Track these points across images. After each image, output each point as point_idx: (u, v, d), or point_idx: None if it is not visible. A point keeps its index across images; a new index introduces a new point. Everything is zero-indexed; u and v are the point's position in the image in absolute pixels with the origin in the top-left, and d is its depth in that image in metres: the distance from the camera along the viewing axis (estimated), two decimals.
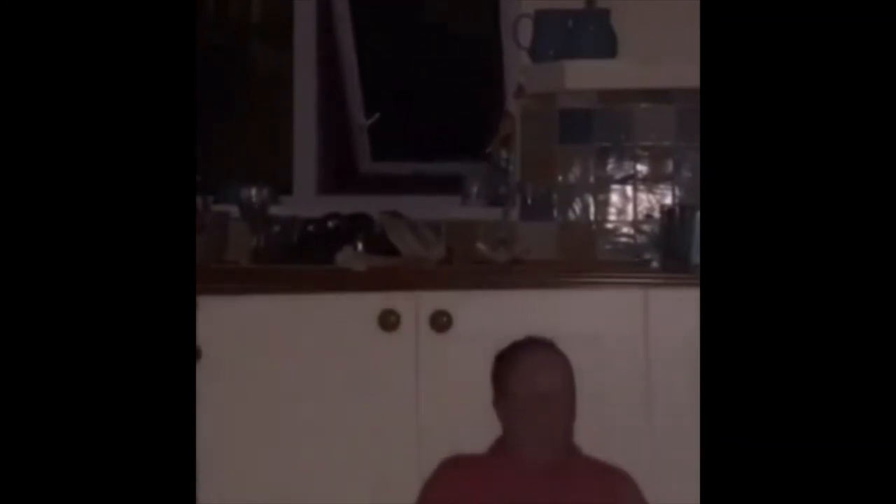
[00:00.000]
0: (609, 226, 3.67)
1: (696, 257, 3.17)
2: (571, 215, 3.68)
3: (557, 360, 2.82)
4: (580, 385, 2.90)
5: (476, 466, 2.80)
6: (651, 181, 3.66)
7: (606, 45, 3.54)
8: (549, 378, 2.78)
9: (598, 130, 3.66)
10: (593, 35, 3.54)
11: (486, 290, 3.09)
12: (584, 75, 3.54)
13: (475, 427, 2.87)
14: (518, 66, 3.70)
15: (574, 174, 3.68)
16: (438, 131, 4.19)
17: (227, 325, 3.03)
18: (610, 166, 3.67)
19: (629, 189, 3.67)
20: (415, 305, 3.05)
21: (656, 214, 3.59)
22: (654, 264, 3.37)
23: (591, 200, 3.68)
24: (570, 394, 2.80)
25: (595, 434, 2.90)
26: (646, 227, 3.64)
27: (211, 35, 4.34)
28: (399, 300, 3.05)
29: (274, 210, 3.53)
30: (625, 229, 3.67)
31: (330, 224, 3.38)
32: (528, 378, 2.77)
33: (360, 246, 3.23)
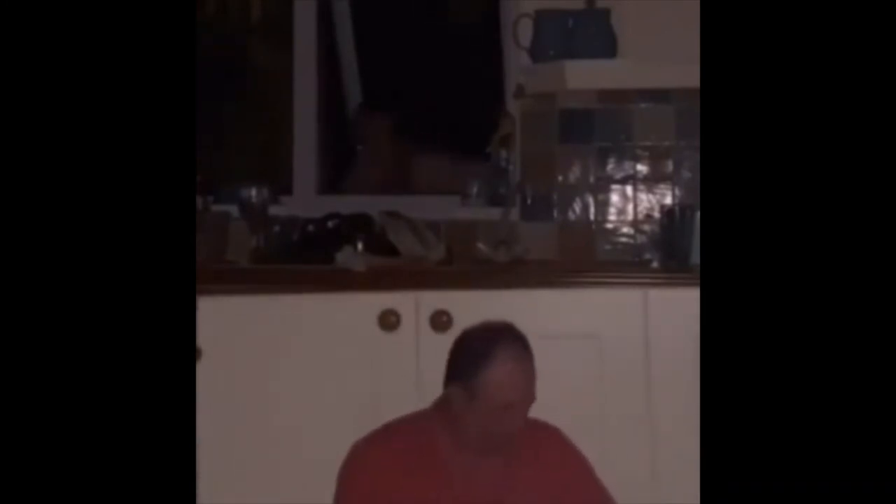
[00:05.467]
0: (609, 226, 3.67)
1: (696, 257, 3.18)
2: (571, 215, 3.68)
3: (530, 364, 2.67)
4: (580, 385, 2.91)
5: (405, 435, 2.73)
6: (651, 181, 3.66)
7: (606, 45, 3.54)
8: (523, 388, 2.64)
9: (598, 130, 3.66)
10: (593, 35, 3.54)
11: (486, 290, 3.09)
12: (584, 75, 3.54)
13: None
14: (518, 66, 3.70)
15: (574, 174, 3.68)
16: (438, 131, 4.19)
17: (227, 325, 3.03)
18: (610, 166, 3.67)
19: (629, 189, 3.67)
20: (415, 305, 3.05)
21: (656, 214, 3.59)
22: (654, 264, 3.37)
23: (591, 200, 3.67)
24: (533, 396, 2.67)
25: (595, 433, 2.90)
26: (646, 227, 3.64)
27: (211, 35, 4.34)
28: (399, 300, 3.05)
29: (274, 210, 3.53)
30: (625, 229, 3.67)
31: (330, 224, 3.38)
32: (504, 386, 2.62)
33: (360, 246, 3.23)
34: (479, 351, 2.66)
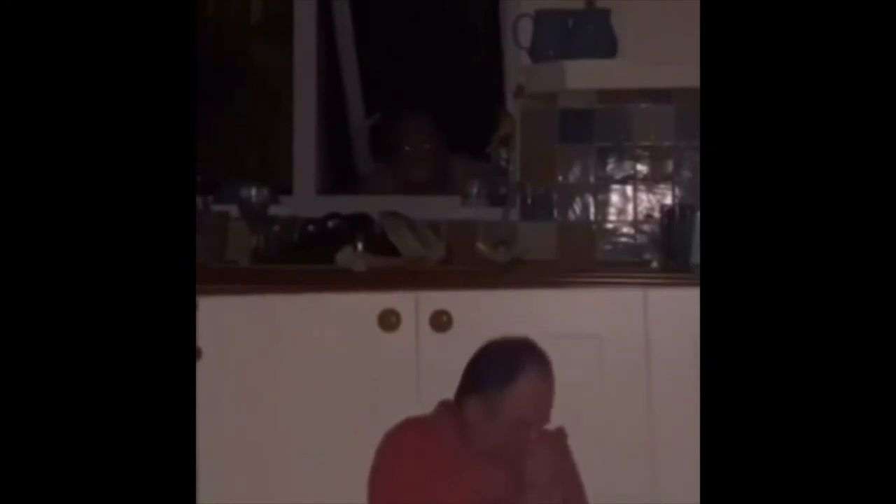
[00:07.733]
0: (609, 226, 3.67)
1: (696, 257, 3.18)
2: (571, 215, 3.68)
3: (551, 387, 2.73)
4: (580, 385, 2.90)
5: (425, 431, 2.76)
6: (651, 181, 3.66)
7: (606, 45, 3.54)
8: (541, 409, 2.71)
9: (598, 130, 3.66)
10: (593, 35, 3.54)
11: (486, 290, 3.09)
12: (584, 75, 3.54)
13: None
14: (518, 66, 3.70)
15: (574, 174, 3.68)
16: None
17: (227, 325, 3.03)
18: (610, 166, 3.67)
19: (629, 189, 3.67)
20: (415, 305, 3.05)
21: (656, 214, 3.59)
22: (654, 264, 3.37)
23: (591, 200, 3.68)
24: (548, 418, 2.73)
25: (594, 434, 2.90)
26: (646, 227, 3.64)
27: (211, 35, 4.35)
28: (399, 300, 3.05)
29: (274, 210, 3.53)
30: (625, 229, 3.67)
31: (330, 224, 3.38)
32: (524, 404, 2.68)
33: (360, 246, 3.23)
34: (505, 366, 2.70)
